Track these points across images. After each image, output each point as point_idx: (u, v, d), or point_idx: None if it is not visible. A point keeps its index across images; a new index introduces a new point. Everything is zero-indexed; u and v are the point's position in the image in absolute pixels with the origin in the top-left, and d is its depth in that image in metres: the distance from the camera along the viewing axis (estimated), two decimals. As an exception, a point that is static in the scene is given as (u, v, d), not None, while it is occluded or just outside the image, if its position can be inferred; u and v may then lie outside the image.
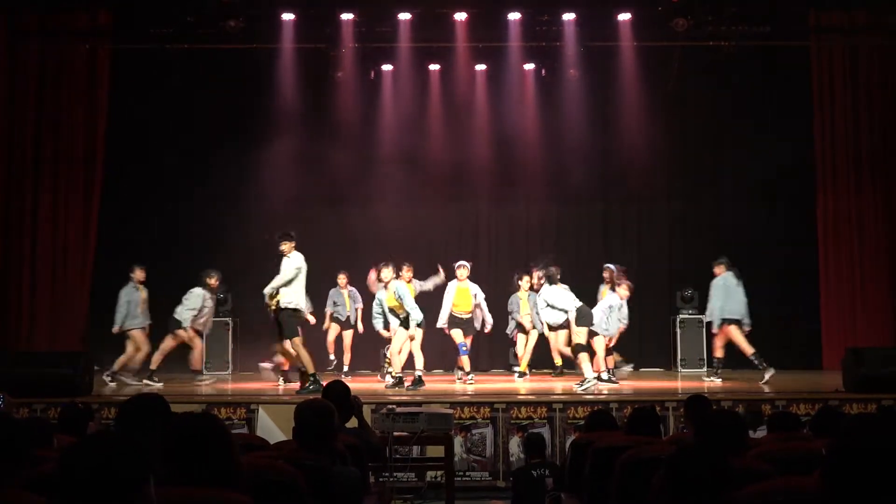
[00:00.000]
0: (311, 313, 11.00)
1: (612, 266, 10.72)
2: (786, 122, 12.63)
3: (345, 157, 12.63)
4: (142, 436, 2.54)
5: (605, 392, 9.30)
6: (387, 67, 13.01)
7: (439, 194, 13.14)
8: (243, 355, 12.02)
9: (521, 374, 10.82)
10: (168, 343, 10.63)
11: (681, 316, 12.42)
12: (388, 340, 10.13)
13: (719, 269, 10.50)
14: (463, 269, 10.25)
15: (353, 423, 5.31)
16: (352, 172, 12.76)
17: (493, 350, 12.61)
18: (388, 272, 9.71)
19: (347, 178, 12.76)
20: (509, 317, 11.24)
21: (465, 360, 10.12)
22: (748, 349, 10.17)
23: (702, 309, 12.45)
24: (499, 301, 11.46)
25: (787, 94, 12.74)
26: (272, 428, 7.81)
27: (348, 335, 11.82)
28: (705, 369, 12.15)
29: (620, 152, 12.98)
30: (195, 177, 12.67)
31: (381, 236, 12.50)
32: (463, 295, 10.25)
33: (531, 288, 10.89)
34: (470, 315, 10.39)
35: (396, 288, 9.62)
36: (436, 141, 12.98)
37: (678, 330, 12.39)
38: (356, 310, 11.83)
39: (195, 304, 10.64)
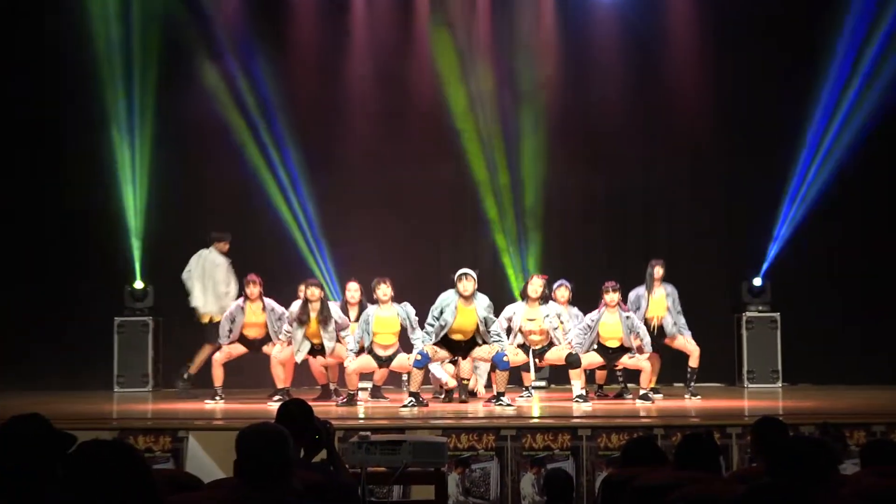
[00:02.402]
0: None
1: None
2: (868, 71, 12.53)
3: (305, 104, 12.68)
4: (21, 467, 2.54)
5: (643, 413, 9.37)
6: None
7: (429, 151, 13.04)
8: (167, 366, 11.98)
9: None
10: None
11: (748, 314, 12.45)
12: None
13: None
14: (467, 280, 9.86)
15: (324, 455, 5.27)
16: (314, 125, 12.75)
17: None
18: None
19: (309, 133, 12.76)
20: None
21: (415, 374, 9.79)
22: None
23: (775, 305, 12.46)
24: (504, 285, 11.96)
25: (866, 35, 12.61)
26: (206, 461, 7.83)
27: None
28: (780, 384, 12.17)
29: (666, 102, 13.03)
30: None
31: (354, 203, 12.59)
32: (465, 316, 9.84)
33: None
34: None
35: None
36: (425, 85, 12.96)
37: (744, 332, 12.42)
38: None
39: None
